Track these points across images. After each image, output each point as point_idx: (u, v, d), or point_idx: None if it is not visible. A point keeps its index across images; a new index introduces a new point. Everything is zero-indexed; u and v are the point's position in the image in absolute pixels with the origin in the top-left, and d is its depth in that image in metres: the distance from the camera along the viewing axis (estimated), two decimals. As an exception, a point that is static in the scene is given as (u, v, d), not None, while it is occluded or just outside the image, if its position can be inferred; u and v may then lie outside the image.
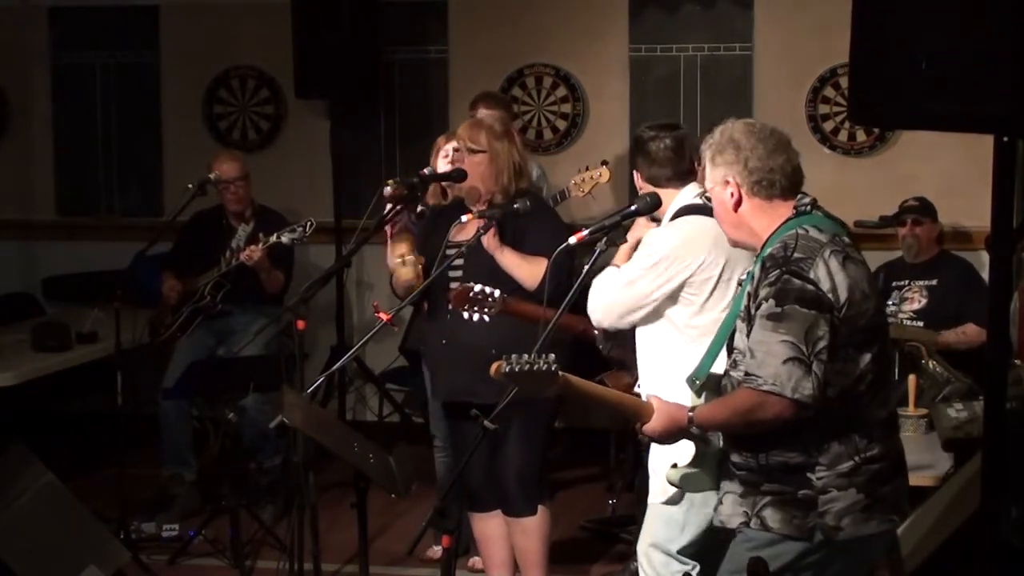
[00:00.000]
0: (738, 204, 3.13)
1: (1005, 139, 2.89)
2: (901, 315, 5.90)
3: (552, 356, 3.06)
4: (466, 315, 4.23)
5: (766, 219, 3.11)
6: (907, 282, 6.01)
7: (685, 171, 3.95)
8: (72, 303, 7.20)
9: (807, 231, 3.03)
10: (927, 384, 4.69)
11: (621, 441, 6.21)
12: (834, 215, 3.18)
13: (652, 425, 3.15)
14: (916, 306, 5.95)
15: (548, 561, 4.84)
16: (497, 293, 4.25)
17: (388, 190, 4.94)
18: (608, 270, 3.94)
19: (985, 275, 5.33)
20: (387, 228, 5.06)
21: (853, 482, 2.99)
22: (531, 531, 4.77)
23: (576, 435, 6.91)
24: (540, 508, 4.78)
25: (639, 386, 3.93)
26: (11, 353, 6.17)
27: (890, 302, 5.89)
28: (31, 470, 4.82)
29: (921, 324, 5.85)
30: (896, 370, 3.23)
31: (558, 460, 6.62)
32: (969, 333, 5.71)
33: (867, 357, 2.98)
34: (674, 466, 3.35)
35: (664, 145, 3.91)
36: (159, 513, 5.92)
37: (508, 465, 4.70)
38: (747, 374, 2.95)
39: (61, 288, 7.61)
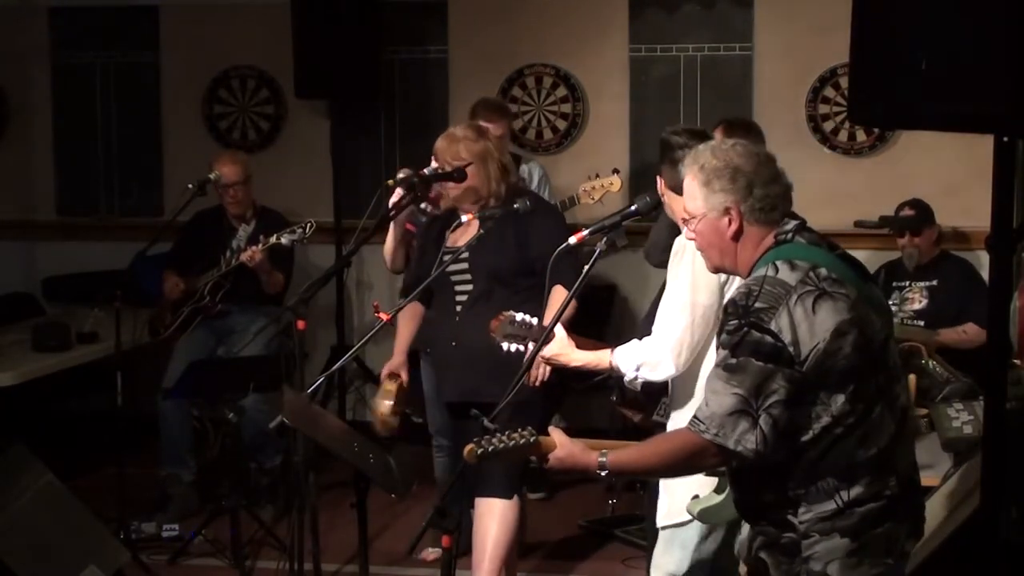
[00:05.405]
0: (738, 233, 2.97)
1: (1005, 139, 2.89)
2: (902, 315, 5.91)
3: (529, 429, 3.04)
4: (504, 347, 4.01)
5: (751, 248, 2.97)
6: (908, 283, 6.03)
7: None
8: (72, 303, 7.20)
9: (776, 272, 2.85)
10: (927, 384, 4.70)
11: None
12: (817, 235, 2.98)
13: (555, 458, 3.19)
14: (917, 306, 5.96)
15: (511, 555, 4.74)
16: (535, 321, 3.99)
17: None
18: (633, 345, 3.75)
19: (985, 275, 5.33)
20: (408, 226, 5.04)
21: (836, 526, 2.87)
22: (499, 514, 4.66)
23: (576, 435, 6.87)
24: (515, 498, 4.71)
25: (659, 416, 3.85)
26: (11, 353, 6.17)
27: (891, 302, 5.89)
28: (31, 470, 4.81)
29: (922, 324, 5.86)
30: (894, 400, 2.98)
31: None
32: (969, 332, 5.72)
33: (840, 399, 2.83)
34: (695, 497, 3.29)
35: None
36: (159, 513, 5.92)
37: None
38: (695, 417, 2.86)
39: (61, 288, 7.61)
